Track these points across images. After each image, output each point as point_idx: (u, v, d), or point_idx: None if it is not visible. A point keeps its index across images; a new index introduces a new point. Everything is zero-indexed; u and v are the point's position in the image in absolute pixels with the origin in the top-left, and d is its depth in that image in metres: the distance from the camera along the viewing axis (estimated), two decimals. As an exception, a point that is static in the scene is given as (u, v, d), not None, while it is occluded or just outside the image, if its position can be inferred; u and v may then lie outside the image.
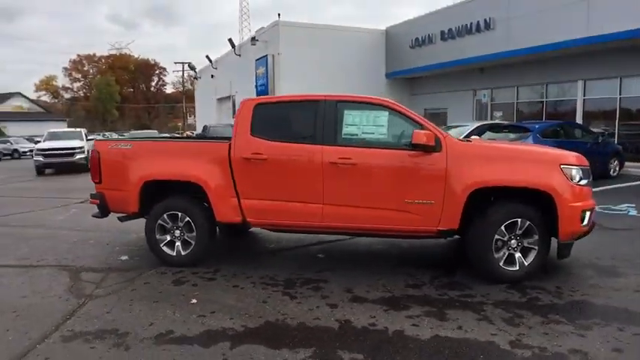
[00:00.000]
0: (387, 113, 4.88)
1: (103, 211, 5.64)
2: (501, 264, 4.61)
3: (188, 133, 38.16)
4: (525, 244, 4.64)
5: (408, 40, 23.31)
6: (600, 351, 3.28)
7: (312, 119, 4.95)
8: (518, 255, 4.64)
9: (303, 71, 22.27)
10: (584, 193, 4.65)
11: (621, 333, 3.55)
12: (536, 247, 4.63)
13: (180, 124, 64.17)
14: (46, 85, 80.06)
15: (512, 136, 11.56)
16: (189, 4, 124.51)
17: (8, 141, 34.04)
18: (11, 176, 17.68)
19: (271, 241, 6.51)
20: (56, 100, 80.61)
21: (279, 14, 23.58)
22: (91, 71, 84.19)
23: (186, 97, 54.49)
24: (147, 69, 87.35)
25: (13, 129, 47.14)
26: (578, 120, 17.18)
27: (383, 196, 4.77)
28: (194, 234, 5.21)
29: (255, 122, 5.09)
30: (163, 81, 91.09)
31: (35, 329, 3.74)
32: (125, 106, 79.81)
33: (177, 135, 36.34)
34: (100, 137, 31.86)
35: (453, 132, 13.22)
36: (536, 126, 11.47)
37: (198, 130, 33.40)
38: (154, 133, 32.24)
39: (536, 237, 4.61)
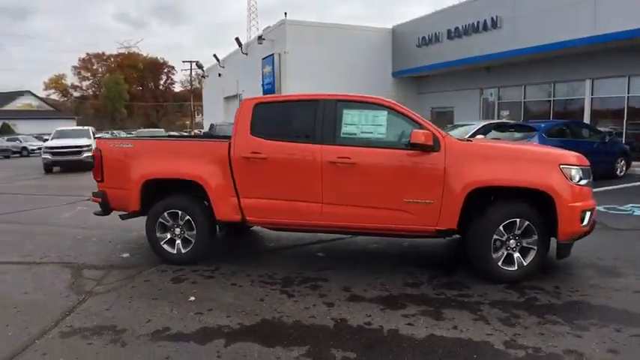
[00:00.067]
0: (385, 113, 4.88)
1: (105, 209, 5.70)
2: (500, 264, 4.60)
3: (196, 131, 38.29)
4: (524, 244, 4.63)
5: (414, 38, 23.25)
6: (595, 352, 3.27)
7: (311, 118, 4.96)
8: (517, 255, 4.63)
9: (309, 70, 22.29)
10: (584, 193, 4.62)
11: (618, 334, 3.53)
12: (536, 247, 4.61)
13: (188, 122, 64.44)
14: (56, 83, 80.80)
15: (517, 135, 11.50)
16: (197, 3, 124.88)
17: (17, 139, 34.41)
18: (19, 174, 17.87)
19: (272, 240, 6.54)
20: (65, 99, 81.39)
21: (285, 13, 23.68)
22: (100, 70, 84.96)
23: (194, 96, 54.69)
24: (155, 67, 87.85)
25: (22, 127, 47.69)
26: (586, 119, 17.06)
27: (381, 196, 4.77)
28: (194, 232, 5.25)
29: (254, 121, 5.11)
30: (172, 79, 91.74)
31: (35, 325, 3.79)
32: (134, 104, 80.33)
33: (185, 133, 36.56)
34: (108, 135, 32.15)
35: (458, 131, 13.21)
36: (542, 125, 11.40)
37: (206, 128, 33.51)
38: (160, 131, 32.38)
39: (535, 237, 4.59)
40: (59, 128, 21.01)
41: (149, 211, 5.36)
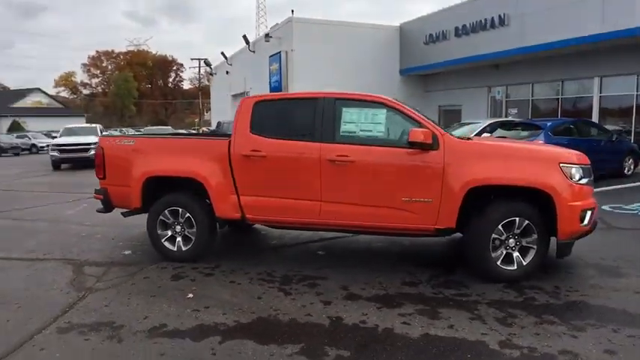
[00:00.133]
0: (384, 111, 4.88)
1: (107, 207, 5.76)
2: (499, 263, 4.58)
3: (204, 129, 38.42)
4: (524, 244, 4.60)
5: (422, 36, 23.16)
6: (592, 352, 3.24)
7: (310, 117, 4.96)
8: (516, 254, 4.60)
9: (316, 68, 22.29)
10: (584, 192, 4.58)
11: (616, 334, 3.50)
12: (535, 247, 4.58)
13: (197, 120, 64.69)
14: (65, 81, 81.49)
15: (523, 133, 11.43)
16: (206, 0, 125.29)
17: (27, 136, 34.74)
18: (28, 170, 18.05)
19: (274, 238, 6.55)
20: (75, 96, 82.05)
21: (292, 11, 23.76)
22: (110, 67, 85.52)
23: (202, 93, 54.85)
24: (164, 65, 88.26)
25: (32, 124, 48.14)
26: (595, 117, 16.89)
27: (380, 194, 4.76)
28: (194, 230, 5.28)
29: (254, 120, 5.12)
30: (181, 77, 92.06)
31: (35, 320, 3.84)
32: (143, 101, 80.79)
33: (194, 131, 36.67)
34: (116, 133, 32.33)
35: (465, 129, 13.18)
36: (548, 123, 11.30)
37: (213, 126, 33.63)
38: (168, 129, 32.51)
39: (534, 236, 4.56)
40: (67, 126, 21.21)
41: (150, 208, 5.39)
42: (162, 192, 5.40)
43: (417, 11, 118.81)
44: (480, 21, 19.49)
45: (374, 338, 3.48)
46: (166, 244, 5.37)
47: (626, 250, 5.75)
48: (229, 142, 5.15)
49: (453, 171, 4.55)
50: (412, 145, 4.60)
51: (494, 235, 4.54)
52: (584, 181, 4.58)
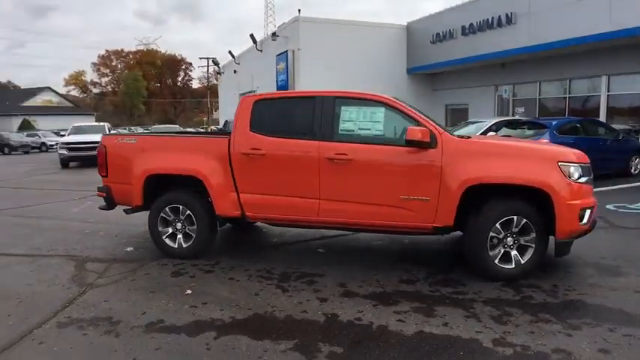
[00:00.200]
0: (383, 109, 4.89)
1: (109, 204, 5.83)
2: (496, 261, 4.57)
3: (212, 127, 38.62)
4: (522, 242, 4.59)
5: (429, 35, 23.05)
6: (585, 351, 3.23)
7: (309, 115, 4.99)
8: (514, 253, 4.60)
9: (323, 67, 22.26)
10: (583, 190, 4.56)
11: (611, 334, 3.49)
12: (533, 245, 4.57)
13: (205, 118, 64.95)
14: (75, 79, 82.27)
15: (529, 132, 11.38)
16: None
17: (36, 134, 35.13)
18: (37, 168, 18.27)
19: (275, 235, 6.59)
20: (85, 95, 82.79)
21: (299, 10, 23.72)
22: (119, 66, 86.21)
23: (211, 92, 55.10)
24: (173, 64, 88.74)
25: (42, 123, 48.62)
26: (602, 116, 16.73)
27: (378, 192, 4.78)
28: (195, 227, 5.32)
29: (254, 118, 5.16)
30: (189, 76, 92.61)
31: (35, 315, 3.90)
32: (152, 100, 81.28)
33: (202, 130, 36.85)
34: (125, 131, 32.56)
35: (471, 128, 13.15)
36: (553, 122, 11.24)
37: (221, 124, 33.75)
38: (175, 127, 32.72)
39: (533, 235, 4.55)
40: (76, 124, 21.41)
41: (152, 205, 5.45)
42: (164, 190, 5.46)
43: (427, 9, 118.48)
44: (488, 19, 19.37)
45: (368, 335, 3.50)
46: (167, 241, 5.43)
47: (628, 249, 5.71)
48: (229, 140, 5.19)
49: (451, 169, 4.56)
50: (410, 143, 4.61)
51: (492, 234, 4.54)
52: (583, 179, 4.55)
